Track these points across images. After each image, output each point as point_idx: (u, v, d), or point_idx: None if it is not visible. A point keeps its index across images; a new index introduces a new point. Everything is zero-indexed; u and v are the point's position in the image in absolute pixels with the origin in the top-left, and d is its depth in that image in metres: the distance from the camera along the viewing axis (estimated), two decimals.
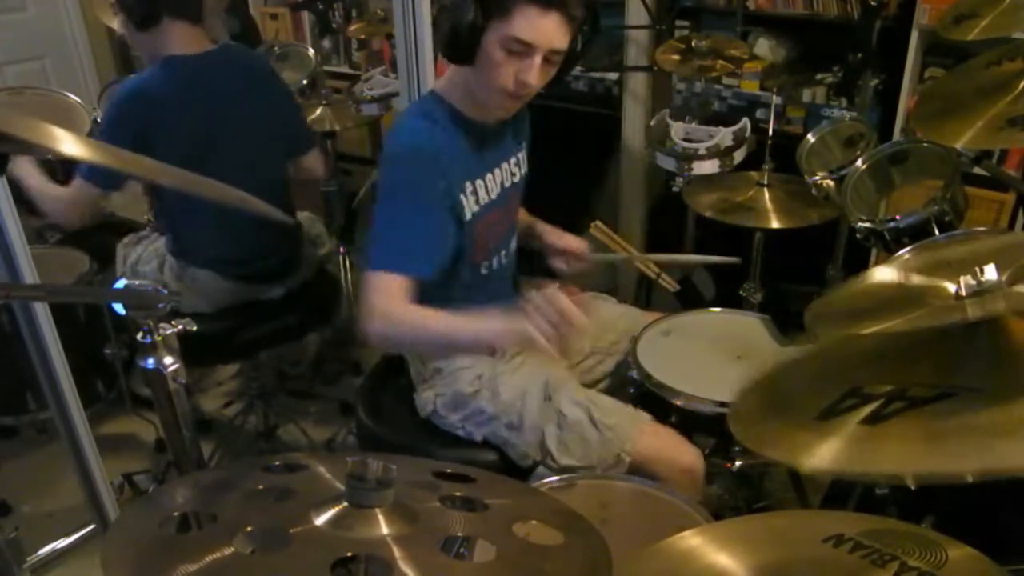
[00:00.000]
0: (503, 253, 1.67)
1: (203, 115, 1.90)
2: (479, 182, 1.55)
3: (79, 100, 2.57)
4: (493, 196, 1.58)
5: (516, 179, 1.66)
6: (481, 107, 1.50)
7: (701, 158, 2.34)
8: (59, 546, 2.12)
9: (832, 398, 0.83)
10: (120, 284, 1.07)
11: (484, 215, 1.56)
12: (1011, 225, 2.23)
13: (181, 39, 1.87)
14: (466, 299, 1.58)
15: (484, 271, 1.63)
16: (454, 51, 1.40)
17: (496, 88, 1.41)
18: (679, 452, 1.50)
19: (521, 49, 1.35)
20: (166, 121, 1.84)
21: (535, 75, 1.38)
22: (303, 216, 2.31)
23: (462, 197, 1.50)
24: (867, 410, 0.78)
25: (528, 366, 1.62)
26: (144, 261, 2.12)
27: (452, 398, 1.59)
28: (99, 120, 2.31)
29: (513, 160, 1.65)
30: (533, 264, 1.87)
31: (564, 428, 1.51)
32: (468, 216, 1.52)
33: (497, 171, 1.59)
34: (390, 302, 1.41)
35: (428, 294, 1.47)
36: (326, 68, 3.43)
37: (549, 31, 1.35)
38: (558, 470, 1.51)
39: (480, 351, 1.56)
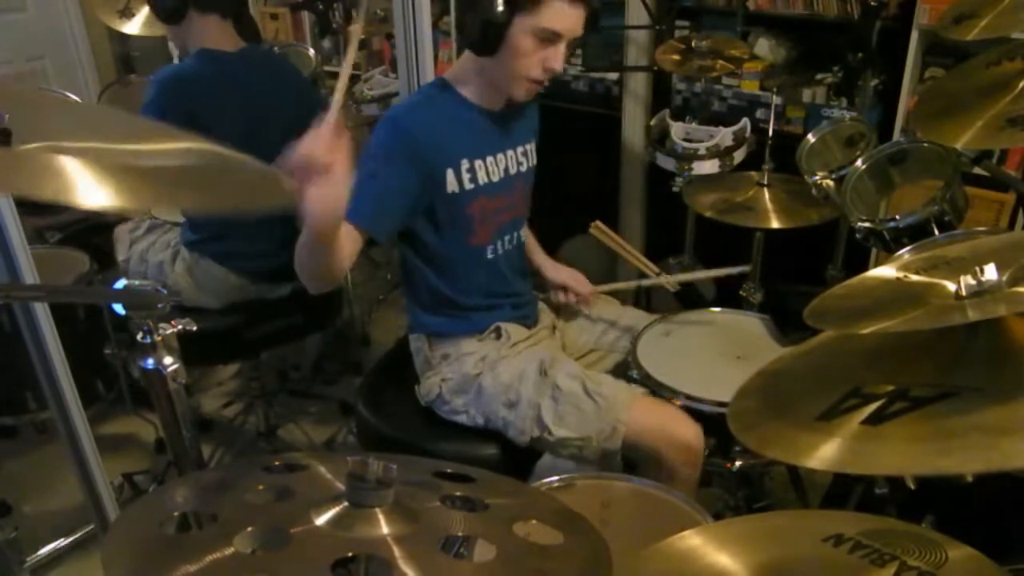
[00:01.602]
0: (507, 239, 1.68)
1: (240, 108, 1.91)
2: (478, 162, 1.57)
3: (79, 100, 2.57)
4: (494, 179, 1.60)
5: (523, 168, 1.68)
6: (500, 93, 1.56)
7: (701, 158, 2.34)
8: (59, 546, 2.12)
9: (833, 399, 0.83)
10: (120, 284, 1.07)
11: (480, 195, 1.58)
12: (1011, 225, 2.23)
13: (213, 34, 1.90)
14: (475, 282, 1.64)
15: (490, 255, 1.65)
16: (482, 43, 1.46)
17: (522, 76, 1.49)
18: (677, 426, 1.50)
19: (550, 37, 1.44)
20: (212, 106, 1.86)
21: (561, 61, 1.48)
22: None
23: (450, 171, 1.53)
24: (869, 410, 0.78)
25: (528, 349, 1.66)
26: (155, 251, 2.12)
27: (459, 381, 1.61)
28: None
29: (520, 150, 1.67)
30: None
31: (559, 400, 1.53)
32: (456, 190, 1.55)
33: (501, 156, 1.62)
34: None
35: (443, 277, 1.62)
36: (326, 68, 3.43)
37: (576, 20, 1.46)
38: (554, 444, 1.52)
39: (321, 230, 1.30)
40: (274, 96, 2.01)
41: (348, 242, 1.41)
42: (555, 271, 1.88)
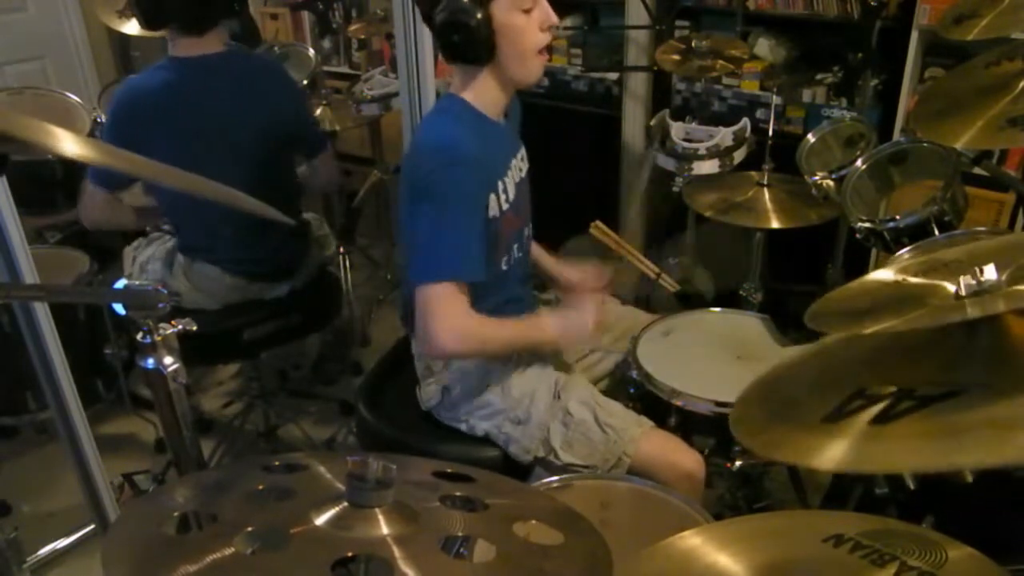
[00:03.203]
0: (516, 247, 1.66)
1: (195, 116, 1.90)
2: (506, 179, 1.55)
3: (79, 100, 2.57)
4: (512, 194, 1.57)
5: (523, 173, 1.66)
6: (512, 87, 1.53)
7: (701, 158, 2.34)
8: (59, 546, 2.12)
9: (837, 401, 0.83)
10: (120, 284, 1.07)
11: (508, 213, 1.55)
12: (1011, 225, 2.23)
13: (188, 41, 1.90)
14: (487, 295, 1.59)
15: (504, 267, 1.63)
16: (479, 52, 1.42)
17: (531, 52, 1.45)
18: (680, 456, 1.50)
19: (530, 4, 1.41)
20: (157, 122, 1.86)
21: (552, 12, 1.46)
22: (310, 217, 2.32)
23: (493, 196, 1.50)
24: (875, 410, 0.78)
25: (539, 364, 1.64)
26: (154, 259, 2.13)
27: (463, 391, 1.60)
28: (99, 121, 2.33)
29: (520, 155, 1.65)
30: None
31: (570, 427, 1.52)
32: (496, 214, 1.51)
33: (511, 168, 1.59)
34: (456, 314, 1.42)
35: None
36: (326, 68, 3.44)
37: None
38: (559, 468, 1.51)
39: (542, 350, 1.63)
40: (239, 96, 1.97)
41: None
42: (570, 271, 1.84)
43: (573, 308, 1.57)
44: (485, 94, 1.51)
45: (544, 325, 1.56)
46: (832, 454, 0.76)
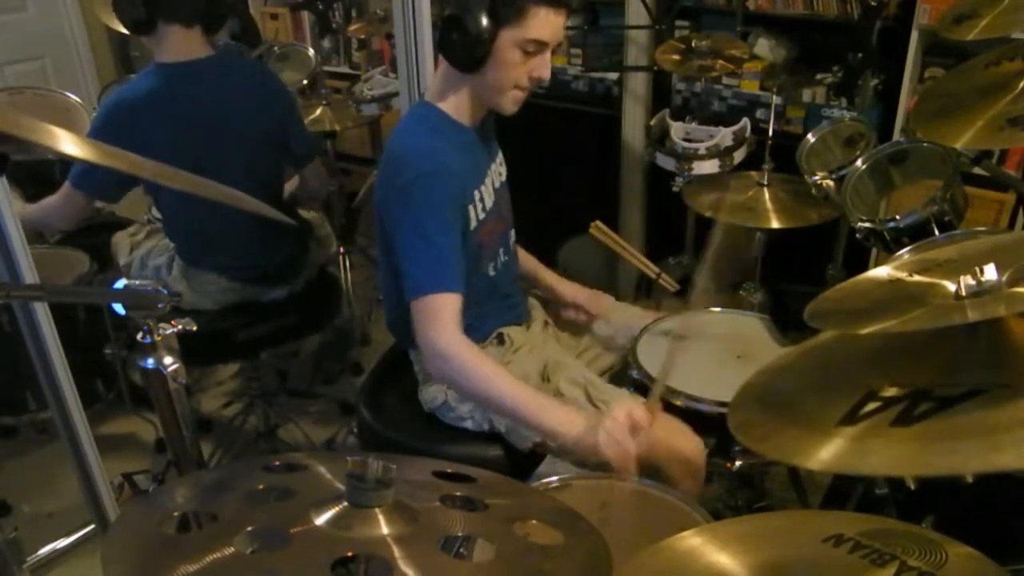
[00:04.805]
0: (502, 251, 1.67)
1: (185, 123, 1.88)
2: (483, 187, 1.55)
3: (79, 100, 2.58)
4: (490, 203, 1.58)
5: (503, 178, 1.67)
6: (485, 107, 1.53)
7: (701, 158, 2.35)
8: (59, 546, 2.12)
9: (848, 403, 0.82)
10: (120, 284, 1.07)
11: (488, 222, 1.56)
12: (1011, 225, 2.23)
13: (174, 45, 1.87)
14: (478, 300, 1.59)
15: (492, 272, 1.64)
16: (466, 60, 1.43)
17: (511, 88, 1.47)
18: (678, 439, 1.48)
19: (536, 49, 1.42)
20: (147, 132, 1.82)
21: (548, 69, 1.47)
22: (312, 216, 2.32)
23: (471, 207, 1.51)
24: (893, 413, 0.78)
25: (528, 350, 1.65)
26: (155, 254, 2.13)
27: None
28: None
29: (498, 159, 1.66)
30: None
31: None
32: (475, 225, 1.52)
33: (488, 175, 1.60)
34: (443, 329, 1.40)
35: None
36: (326, 68, 3.44)
37: (559, 27, 1.44)
38: (556, 449, 1.50)
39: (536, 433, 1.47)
40: (229, 102, 1.95)
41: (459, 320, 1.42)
42: (572, 290, 1.84)
43: (594, 423, 1.37)
44: (462, 103, 1.51)
45: (558, 412, 1.40)
46: (871, 458, 0.75)
